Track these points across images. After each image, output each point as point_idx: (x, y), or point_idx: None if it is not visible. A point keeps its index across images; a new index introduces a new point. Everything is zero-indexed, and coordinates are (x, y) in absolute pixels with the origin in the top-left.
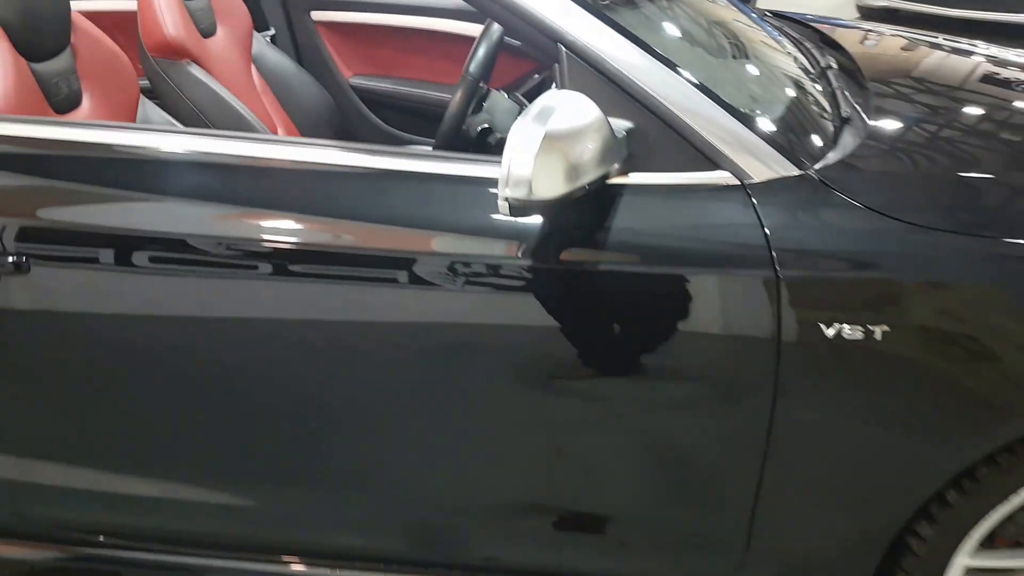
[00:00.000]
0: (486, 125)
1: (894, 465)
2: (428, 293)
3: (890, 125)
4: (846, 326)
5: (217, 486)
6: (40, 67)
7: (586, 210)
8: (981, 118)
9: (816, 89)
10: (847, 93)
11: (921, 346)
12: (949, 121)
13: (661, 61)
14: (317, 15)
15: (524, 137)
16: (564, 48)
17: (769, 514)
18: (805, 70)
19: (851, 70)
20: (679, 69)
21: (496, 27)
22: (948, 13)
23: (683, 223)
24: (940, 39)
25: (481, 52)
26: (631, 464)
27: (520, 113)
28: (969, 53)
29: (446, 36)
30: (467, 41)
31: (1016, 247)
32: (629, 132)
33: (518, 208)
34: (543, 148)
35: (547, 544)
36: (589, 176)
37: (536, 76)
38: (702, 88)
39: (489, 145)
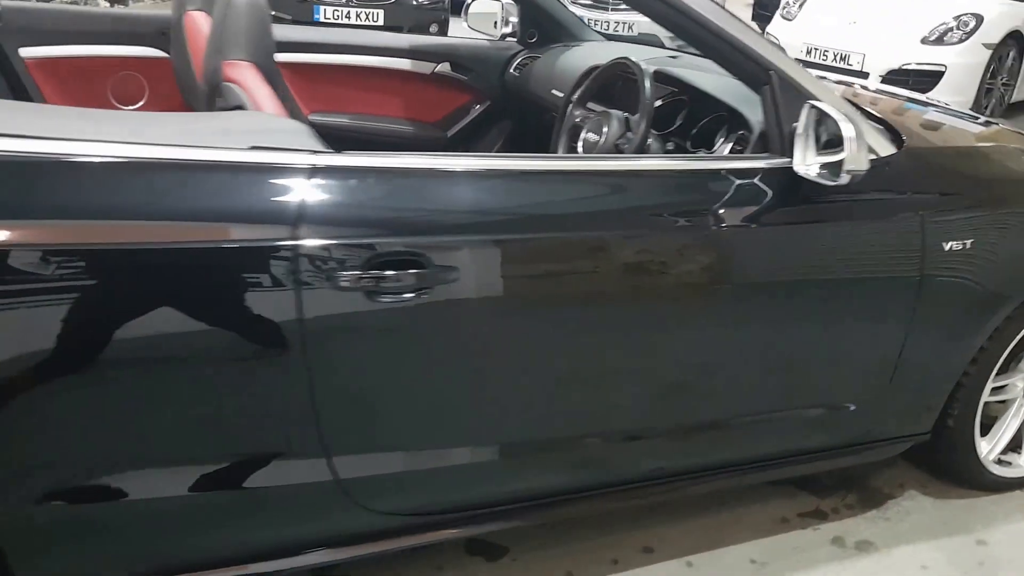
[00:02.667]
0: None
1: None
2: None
3: None
4: None
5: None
6: None
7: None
8: None
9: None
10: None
11: None
12: None
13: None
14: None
15: (856, 137)
16: (775, 74)
17: (901, 376)
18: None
19: None
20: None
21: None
22: None
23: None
24: None
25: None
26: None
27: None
28: None
29: (395, 73)
30: (409, 76)
31: None
32: None
33: (851, 178)
34: (860, 144)
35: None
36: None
37: (477, 107)
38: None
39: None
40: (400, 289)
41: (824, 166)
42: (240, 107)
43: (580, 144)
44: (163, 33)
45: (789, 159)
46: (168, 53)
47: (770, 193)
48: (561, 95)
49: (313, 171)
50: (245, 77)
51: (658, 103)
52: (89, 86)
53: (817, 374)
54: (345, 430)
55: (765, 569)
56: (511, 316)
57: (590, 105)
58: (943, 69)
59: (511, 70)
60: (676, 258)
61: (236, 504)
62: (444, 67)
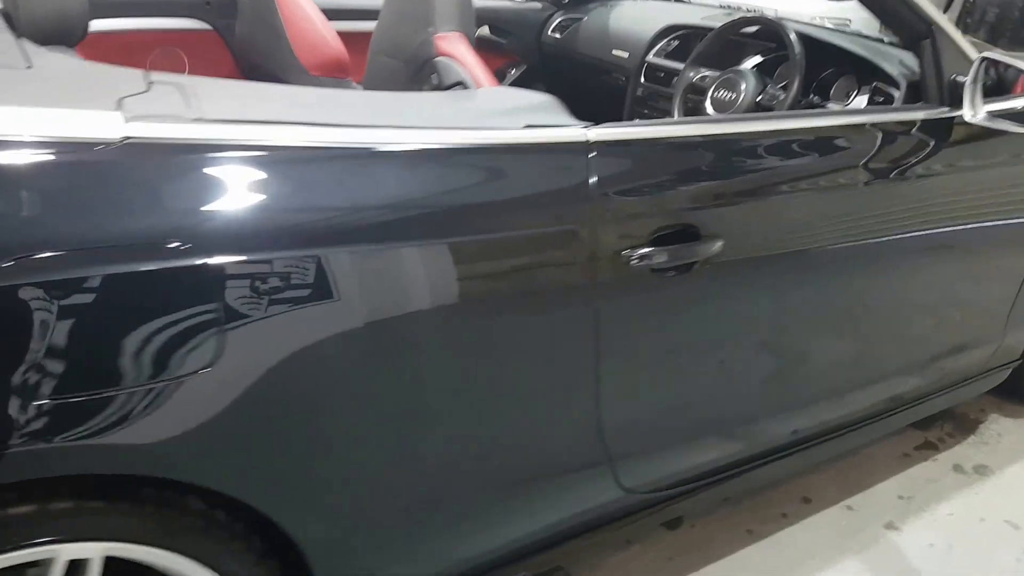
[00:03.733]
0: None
1: None
2: None
3: None
4: None
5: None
6: None
7: None
8: None
9: None
10: None
11: None
12: None
13: None
14: None
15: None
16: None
17: (1017, 310)
18: None
19: None
20: None
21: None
22: None
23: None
24: None
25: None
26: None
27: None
28: None
29: None
30: None
31: None
32: None
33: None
34: None
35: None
36: None
37: (514, 70)
38: None
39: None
40: (687, 263)
41: (995, 112)
42: (461, 83)
43: (709, 104)
44: (207, 3)
45: (948, 108)
46: (212, 25)
47: (933, 142)
48: (626, 55)
49: (589, 146)
50: (460, 50)
51: (759, 59)
52: (129, 60)
53: (961, 315)
54: (623, 411)
55: (912, 503)
56: (785, 281)
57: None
58: (848, 22)
59: (549, 32)
60: (861, 209)
61: (532, 492)
62: (484, 30)
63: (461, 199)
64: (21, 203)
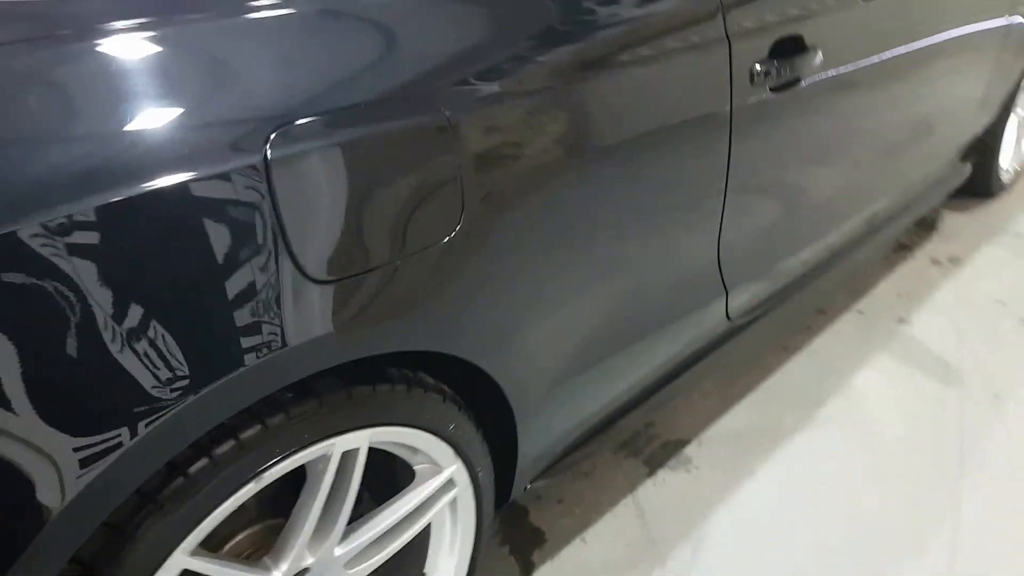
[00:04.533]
0: None
1: None
2: None
3: None
4: None
5: None
6: None
7: None
8: None
9: None
10: None
11: None
12: None
13: None
14: None
15: None
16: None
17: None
18: None
19: None
20: None
21: None
22: None
23: None
24: None
25: None
26: None
27: None
28: None
29: None
30: None
31: None
32: None
33: None
34: None
35: None
36: None
37: None
38: None
39: None
40: (795, 78)
41: None
42: None
43: None
44: None
45: None
46: None
47: None
48: None
49: None
50: None
51: None
52: None
53: (947, 115)
54: (739, 236)
55: (911, 298)
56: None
57: None
58: None
59: None
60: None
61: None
62: None
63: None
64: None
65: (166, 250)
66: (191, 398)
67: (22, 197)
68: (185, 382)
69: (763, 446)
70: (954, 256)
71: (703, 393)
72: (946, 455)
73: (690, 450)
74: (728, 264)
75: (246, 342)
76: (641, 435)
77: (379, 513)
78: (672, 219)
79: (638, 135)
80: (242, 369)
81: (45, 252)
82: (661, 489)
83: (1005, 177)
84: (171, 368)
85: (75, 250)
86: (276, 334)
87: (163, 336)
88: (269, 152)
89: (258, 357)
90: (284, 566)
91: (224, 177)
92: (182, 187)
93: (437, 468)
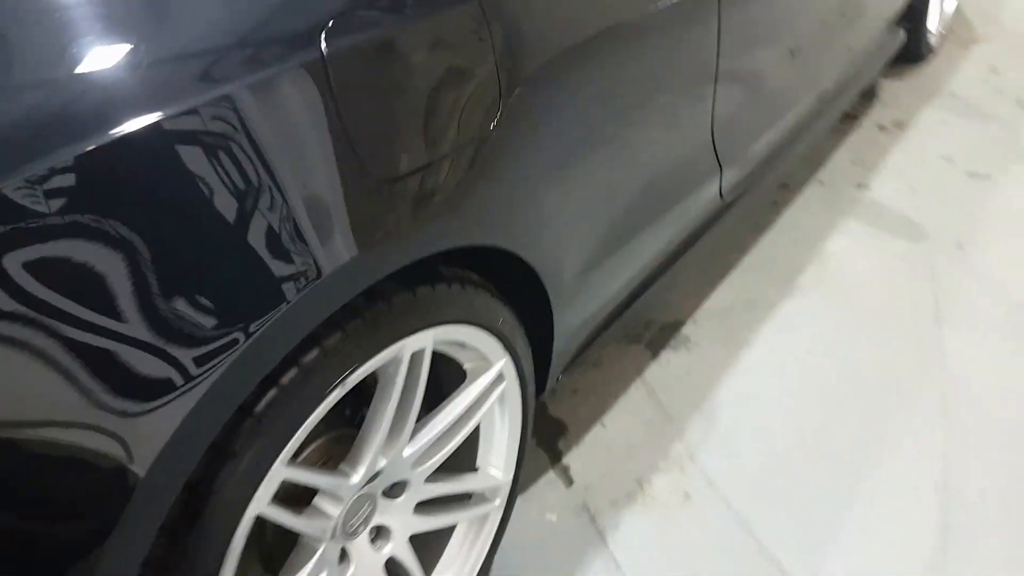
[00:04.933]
0: None
1: None
2: None
3: None
4: None
5: None
6: None
7: None
8: None
9: None
10: None
11: None
12: None
13: None
14: None
15: None
16: None
17: None
18: None
19: None
20: None
21: None
22: None
23: None
24: None
25: None
26: None
27: None
28: None
29: None
30: None
31: None
32: None
33: None
34: None
35: None
36: None
37: None
38: None
39: None
40: None
41: None
42: None
43: None
44: None
45: None
46: None
47: None
48: None
49: None
50: None
51: None
52: None
53: None
54: (731, 111)
55: (863, 164)
56: None
57: None
58: None
59: None
60: None
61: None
62: None
63: None
64: None
65: (234, 156)
66: (289, 305)
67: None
68: (294, 283)
69: (754, 317)
70: (897, 120)
71: (688, 278)
72: (923, 306)
73: (687, 330)
74: (721, 142)
75: (327, 249)
76: (639, 322)
77: (439, 413)
78: (674, 99)
79: (647, 14)
80: (328, 274)
81: (166, 151)
82: (666, 369)
83: (933, 40)
84: (272, 274)
85: (184, 149)
86: (350, 240)
87: (262, 244)
88: (324, 46)
89: (338, 262)
90: (361, 470)
91: (284, 75)
92: (261, 82)
93: (487, 364)
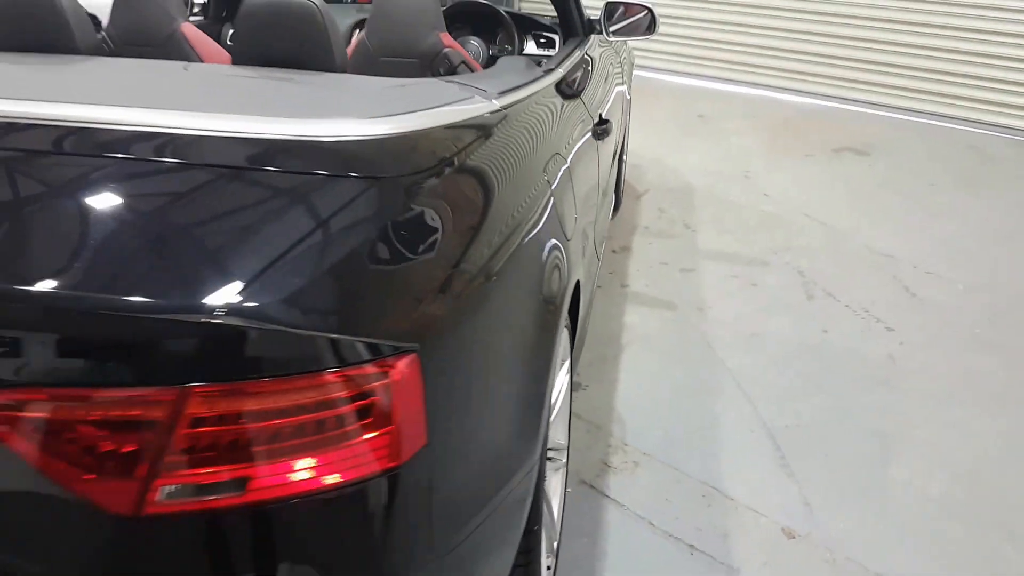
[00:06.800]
0: None
1: None
2: None
3: None
4: None
5: None
6: None
7: None
8: None
9: None
10: None
11: None
12: None
13: None
14: None
15: None
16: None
17: None
18: None
19: None
20: None
21: None
22: None
23: None
24: None
25: None
26: None
27: None
28: None
29: None
30: None
31: None
32: None
33: None
34: None
35: None
36: None
37: None
38: None
39: None
40: None
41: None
42: (464, 63)
43: None
44: None
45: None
46: None
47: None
48: None
49: None
50: (451, 41)
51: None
52: None
53: None
54: None
55: (615, 272)
56: None
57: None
58: None
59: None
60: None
61: None
62: None
63: None
64: None
65: None
66: None
67: None
68: None
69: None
70: (623, 246)
71: None
72: (696, 345)
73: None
74: None
75: None
76: None
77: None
78: None
79: None
80: None
81: None
82: None
83: (619, 197)
84: None
85: None
86: None
87: None
88: None
89: None
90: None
91: None
92: None
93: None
